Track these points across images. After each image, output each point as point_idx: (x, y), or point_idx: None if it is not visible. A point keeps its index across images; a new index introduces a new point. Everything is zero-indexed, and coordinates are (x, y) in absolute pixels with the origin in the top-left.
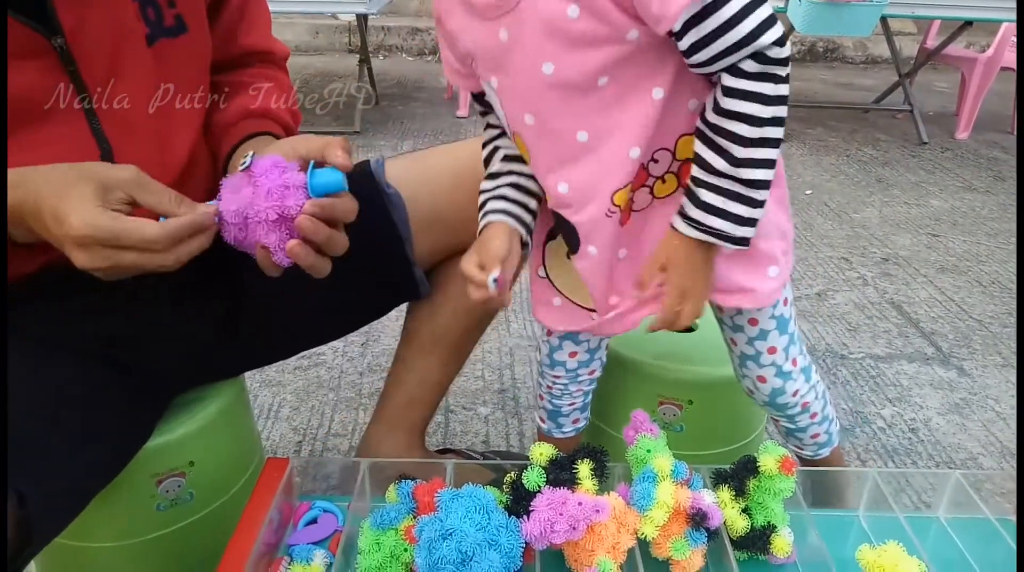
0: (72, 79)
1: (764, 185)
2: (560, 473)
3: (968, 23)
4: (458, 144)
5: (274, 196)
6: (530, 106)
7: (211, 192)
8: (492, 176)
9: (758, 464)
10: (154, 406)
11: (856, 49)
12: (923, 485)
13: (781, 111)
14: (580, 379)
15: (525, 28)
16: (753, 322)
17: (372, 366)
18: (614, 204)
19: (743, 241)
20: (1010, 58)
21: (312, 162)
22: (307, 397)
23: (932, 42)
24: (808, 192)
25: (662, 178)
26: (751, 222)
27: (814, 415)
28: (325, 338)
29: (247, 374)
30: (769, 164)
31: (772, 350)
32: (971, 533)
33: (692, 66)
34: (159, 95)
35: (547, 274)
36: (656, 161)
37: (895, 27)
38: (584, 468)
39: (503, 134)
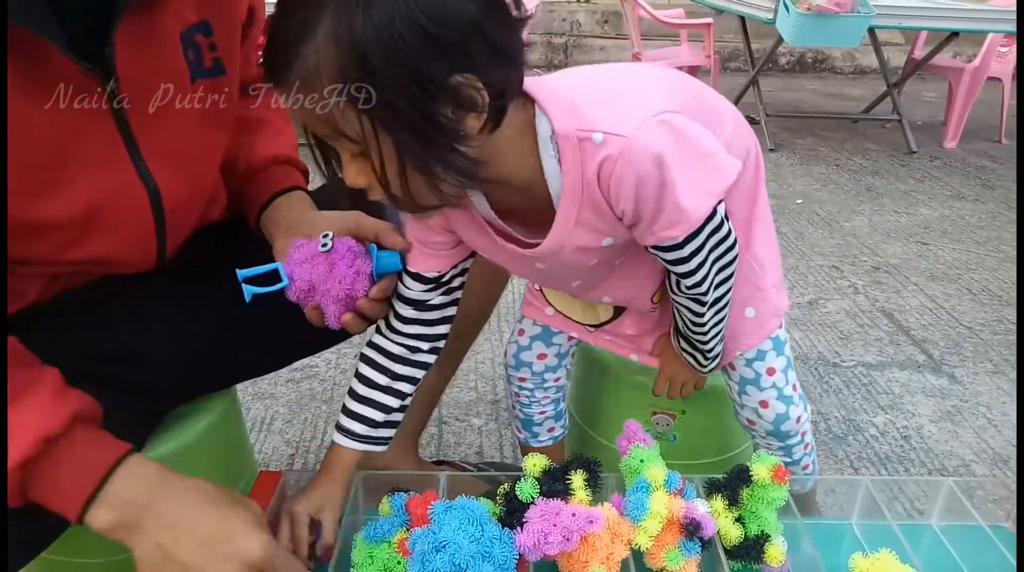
0: (118, 122)
1: (719, 337)
2: (554, 484)
3: (955, 34)
4: None
5: (346, 281)
6: (577, 276)
7: (225, 212)
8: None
9: (751, 473)
10: (148, 421)
11: (844, 59)
12: (916, 492)
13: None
14: (547, 385)
15: (561, 262)
16: (771, 370)
17: None
18: (653, 302)
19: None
20: (996, 68)
21: (374, 246)
22: (300, 409)
23: (919, 52)
24: (799, 201)
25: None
26: (715, 358)
27: (807, 445)
28: (319, 347)
29: (239, 386)
30: (721, 317)
31: (771, 371)
32: (964, 540)
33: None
34: (198, 134)
35: (542, 289)
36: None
37: (883, 38)
38: (578, 479)
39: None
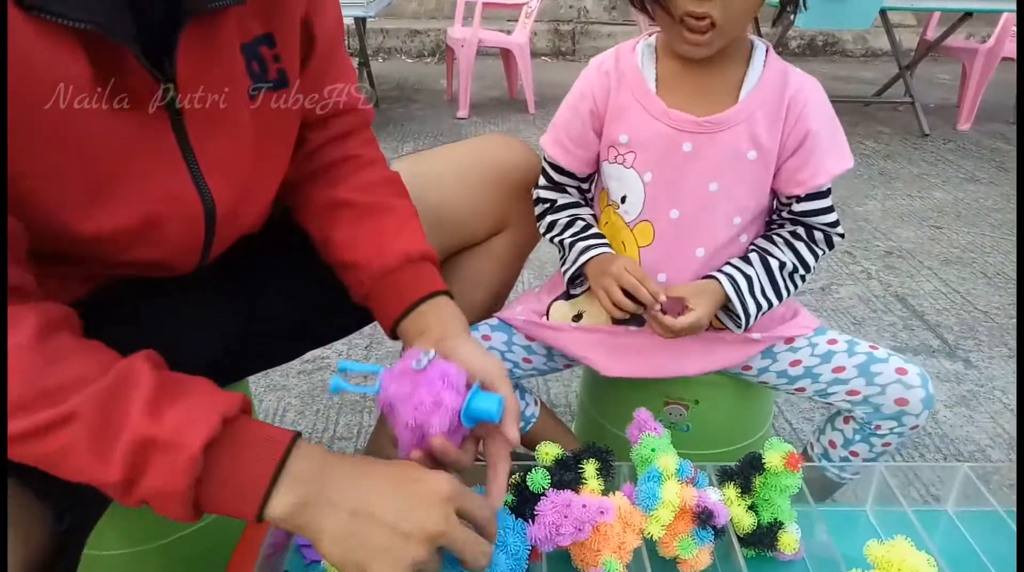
0: (176, 132)
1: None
2: (565, 474)
3: (968, 14)
4: (458, 144)
5: (422, 409)
6: (680, 205)
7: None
8: (579, 224)
9: (764, 461)
10: None
11: (855, 42)
12: (931, 478)
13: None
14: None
15: (710, 150)
16: (832, 341)
17: None
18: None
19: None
20: (1011, 48)
21: (478, 386)
22: (311, 401)
23: (932, 34)
24: None
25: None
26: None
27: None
28: (332, 337)
29: (251, 378)
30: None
31: (874, 347)
32: (980, 526)
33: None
34: (257, 146)
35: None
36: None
37: (895, 19)
38: (590, 468)
39: (578, 206)
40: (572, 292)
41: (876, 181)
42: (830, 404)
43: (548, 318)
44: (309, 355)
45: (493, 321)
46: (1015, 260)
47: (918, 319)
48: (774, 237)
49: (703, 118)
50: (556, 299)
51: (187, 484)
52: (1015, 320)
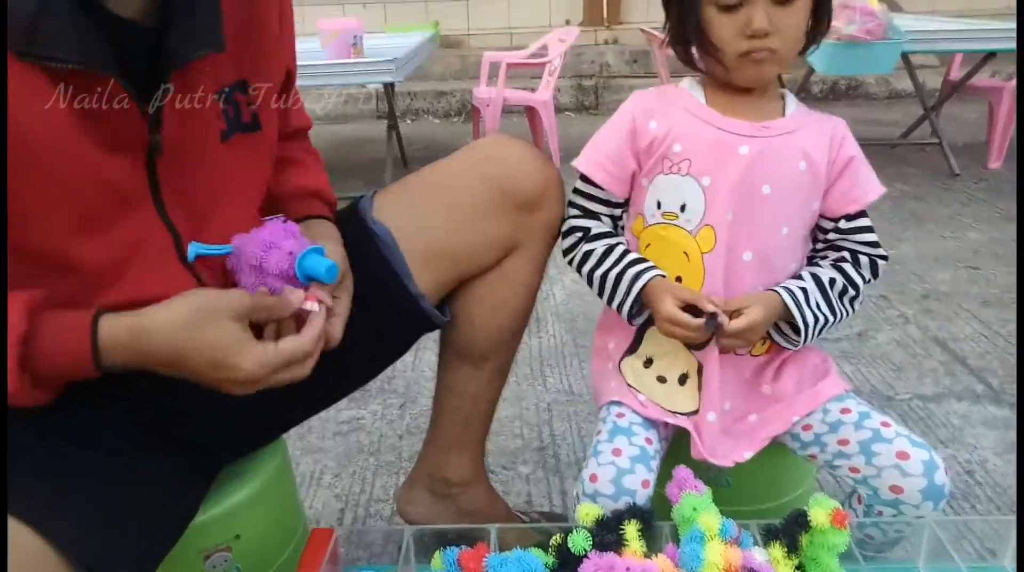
0: (148, 169)
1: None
2: (606, 535)
3: (992, 54)
4: (449, 171)
5: (263, 247)
6: (735, 208)
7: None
8: (619, 249)
9: (809, 518)
10: (203, 479)
11: (879, 85)
12: (985, 532)
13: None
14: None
15: (767, 153)
16: (846, 411)
17: (411, 428)
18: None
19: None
20: None
21: (318, 246)
22: (348, 463)
23: (956, 74)
24: None
25: (763, 340)
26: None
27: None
28: (353, 386)
29: (288, 441)
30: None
31: (886, 424)
32: None
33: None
34: (229, 186)
35: (632, 385)
36: None
37: (917, 61)
38: (631, 529)
39: (613, 236)
40: (632, 323)
41: (908, 223)
42: (838, 477)
43: (624, 377)
44: (344, 416)
45: (633, 417)
46: None
47: (960, 364)
48: (819, 262)
49: (759, 123)
50: (623, 357)
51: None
52: None
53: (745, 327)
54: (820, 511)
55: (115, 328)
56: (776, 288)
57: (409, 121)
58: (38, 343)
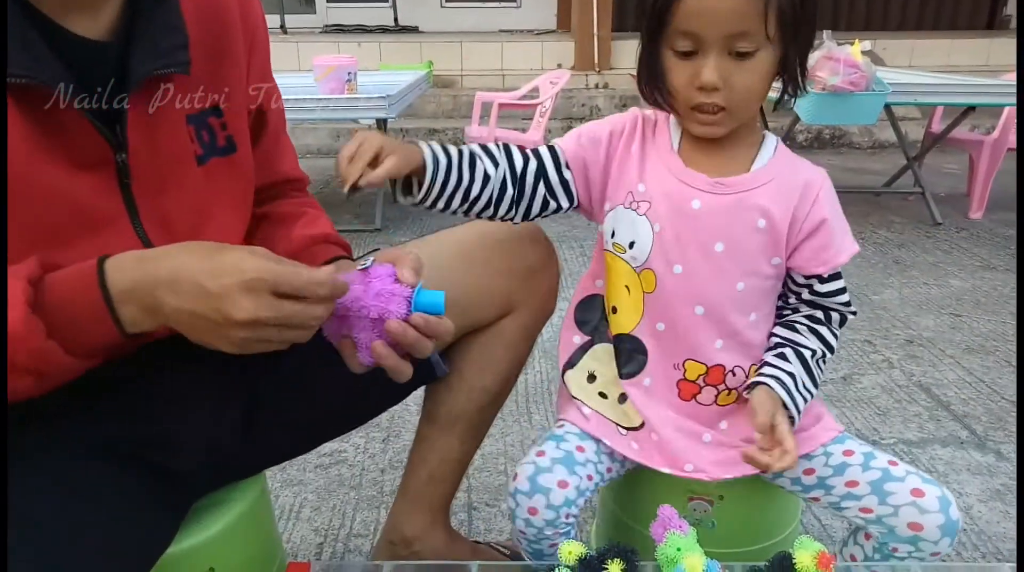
0: (123, 192)
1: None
2: None
3: (971, 108)
4: (462, 227)
5: (382, 298)
6: (684, 262)
7: None
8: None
9: (794, 561)
10: (177, 510)
11: (862, 135)
12: None
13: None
14: (558, 523)
15: (719, 210)
16: (848, 452)
17: (393, 462)
18: (683, 365)
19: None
20: (1015, 140)
21: (421, 282)
22: (328, 496)
23: (937, 126)
24: None
25: (729, 391)
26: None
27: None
28: (345, 428)
29: (268, 473)
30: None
31: (893, 463)
32: None
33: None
34: (206, 209)
35: (572, 394)
36: (734, 374)
37: (899, 113)
38: (614, 568)
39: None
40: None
41: (891, 270)
42: (846, 518)
43: (569, 391)
44: (326, 448)
45: (571, 428)
46: None
47: (944, 409)
48: (796, 325)
49: (715, 178)
50: (564, 370)
51: (24, 362)
52: None
53: (792, 458)
54: (805, 554)
55: (122, 257)
56: (766, 380)
57: None
58: (47, 284)
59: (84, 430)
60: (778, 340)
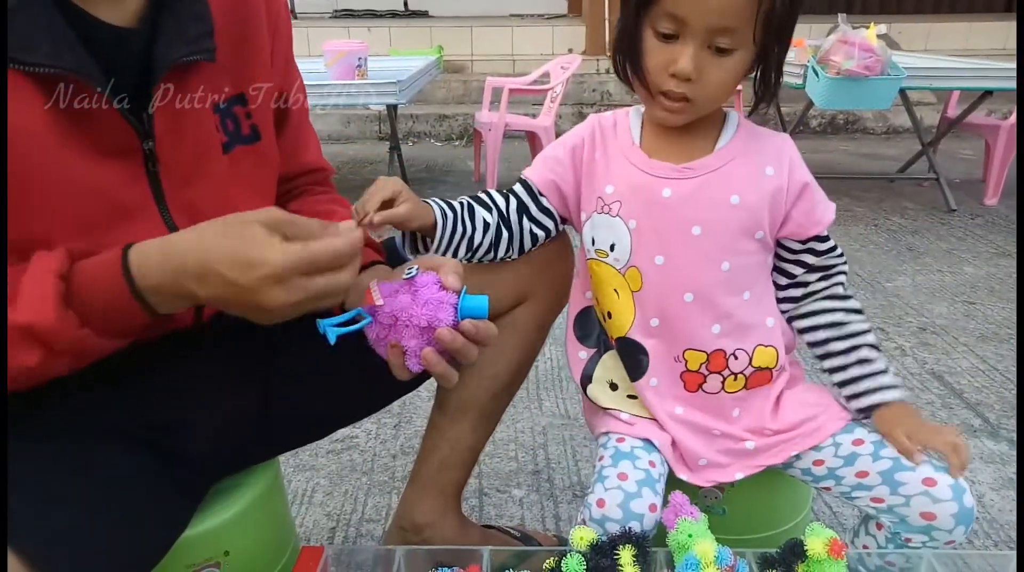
0: (150, 180)
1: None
2: (601, 560)
3: (988, 92)
4: None
5: (430, 306)
6: (665, 251)
7: None
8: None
9: (806, 548)
10: (193, 494)
11: (877, 120)
12: (982, 567)
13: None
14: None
15: (689, 195)
16: (858, 442)
17: (405, 448)
18: (683, 356)
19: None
20: None
21: (465, 287)
22: (340, 481)
23: (953, 111)
24: None
25: (735, 376)
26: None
27: None
28: (358, 416)
29: (281, 458)
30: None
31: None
32: None
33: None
34: (232, 198)
35: (605, 408)
36: (736, 358)
37: (915, 97)
38: (626, 554)
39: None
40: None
41: (905, 257)
42: (857, 507)
43: (599, 404)
44: (338, 434)
45: (634, 441)
46: None
47: (957, 397)
48: (834, 314)
49: (681, 165)
50: (583, 385)
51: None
52: None
53: (966, 455)
54: (817, 541)
55: (146, 248)
56: (887, 395)
57: (411, 143)
58: (76, 278)
59: (105, 415)
60: (841, 344)
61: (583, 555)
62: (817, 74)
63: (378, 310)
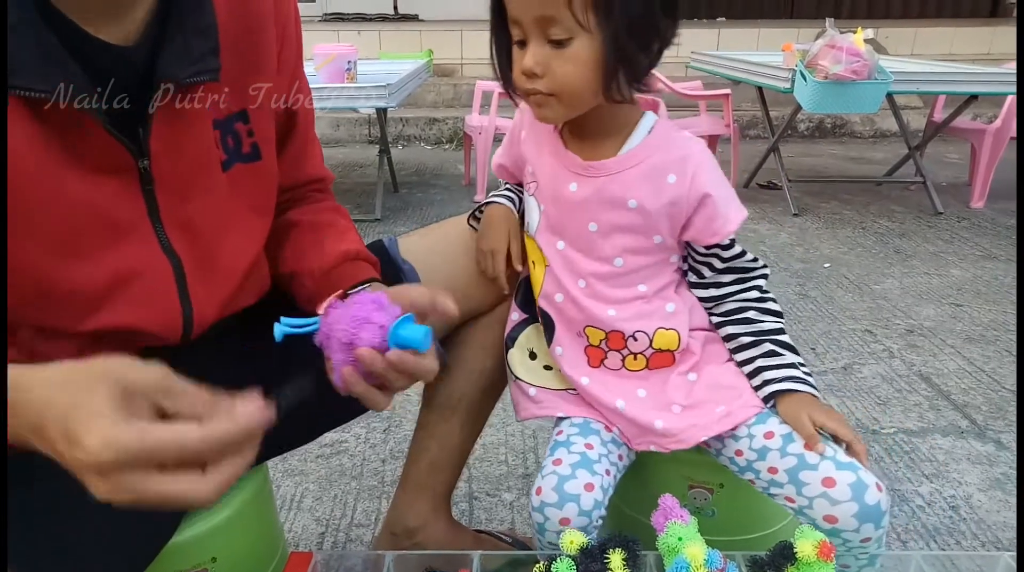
0: (146, 197)
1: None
2: (591, 563)
3: (974, 96)
4: (463, 216)
5: (355, 323)
6: (565, 238)
7: (263, 304)
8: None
9: (795, 550)
10: None
11: (864, 124)
12: (970, 568)
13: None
14: (589, 530)
15: (590, 193)
16: (769, 435)
17: (394, 452)
18: (584, 331)
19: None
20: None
21: (409, 314)
22: (329, 486)
23: (939, 115)
24: (826, 265)
25: (635, 356)
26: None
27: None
28: (348, 417)
29: (269, 463)
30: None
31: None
32: None
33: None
34: (230, 216)
35: (517, 376)
36: (636, 339)
37: (901, 101)
38: (616, 558)
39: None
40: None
41: (892, 259)
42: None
43: (513, 372)
44: (327, 439)
45: (569, 428)
46: None
47: (944, 399)
48: (746, 313)
49: (587, 161)
50: (507, 347)
51: None
52: None
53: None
54: (806, 543)
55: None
56: (792, 385)
57: (400, 147)
58: None
59: None
60: (749, 338)
61: (573, 559)
62: (805, 78)
63: (325, 320)
